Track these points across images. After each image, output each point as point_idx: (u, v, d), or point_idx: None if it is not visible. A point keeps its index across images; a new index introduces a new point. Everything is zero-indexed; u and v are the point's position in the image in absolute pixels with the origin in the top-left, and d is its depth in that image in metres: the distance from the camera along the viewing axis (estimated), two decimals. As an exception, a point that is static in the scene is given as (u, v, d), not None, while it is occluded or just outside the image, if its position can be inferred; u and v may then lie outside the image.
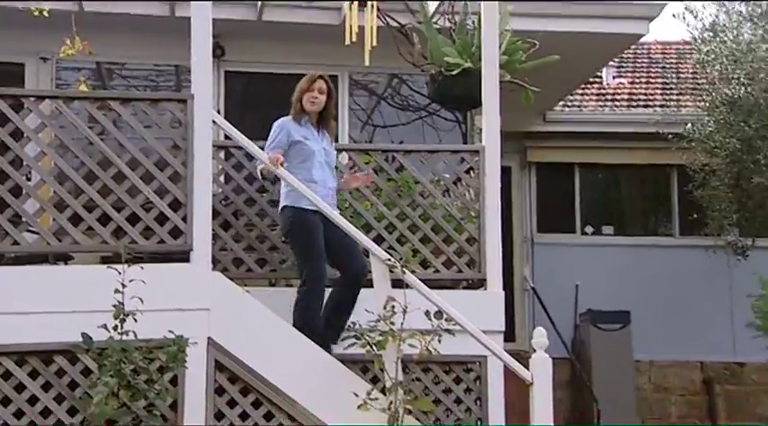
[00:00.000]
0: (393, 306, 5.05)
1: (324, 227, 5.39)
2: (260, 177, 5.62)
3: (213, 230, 5.45)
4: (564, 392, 9.78)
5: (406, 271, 5.20)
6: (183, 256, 5.21)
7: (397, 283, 5.30)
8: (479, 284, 6.02)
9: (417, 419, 5.14)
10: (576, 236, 10.75)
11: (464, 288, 6.20)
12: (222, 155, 6.02)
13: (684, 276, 10.27)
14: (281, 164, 5.36)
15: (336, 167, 5.81)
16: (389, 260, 5.24)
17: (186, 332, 4.83)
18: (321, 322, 5.37)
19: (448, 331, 5.21)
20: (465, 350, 5.46)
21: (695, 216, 9.80)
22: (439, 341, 5.24)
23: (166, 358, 4.71)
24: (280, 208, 5.57)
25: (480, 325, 5.32)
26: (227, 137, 5.77)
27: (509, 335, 7.09)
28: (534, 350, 5.20)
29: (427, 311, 5.10)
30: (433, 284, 5.47)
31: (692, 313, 10.21)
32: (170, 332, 4.77)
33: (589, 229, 10.84)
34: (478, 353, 5.51)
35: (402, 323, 5.00)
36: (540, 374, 5.06)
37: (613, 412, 9.17)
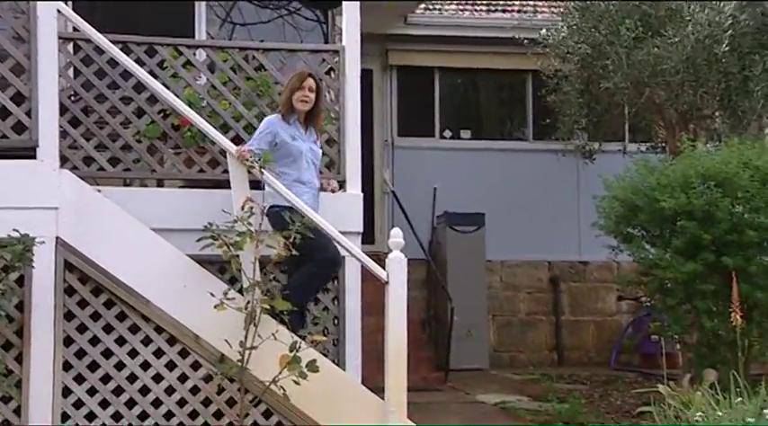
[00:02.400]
0: (251, 207, 5.02)
1: None
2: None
3: (61, 126, 5.22)
4: (420, 291, 10.09)
5: (265, 172, 5.15)
6: (29, 153, 4.98)
7: (256, 184, 5.26)
8: (339, 186, 6.04)
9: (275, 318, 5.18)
10: (435, 140, 10.91)
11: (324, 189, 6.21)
12: (70, 47, 5.71)
13: (536, 179, 10.66)
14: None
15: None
16: (248, 160, 5.17)
17: (33, 231, 4.67)
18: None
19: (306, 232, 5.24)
20: (324, 250, 5.51)
21: (547, 120, 10.09)
22: (297, 241, 5.27)
23: (11, 257, 4.55)
24: (267, 207, 5.34)
25: (339, 226, 5.37)
26: (75, 29, 5.47)
27: (368, 237, 7.21)
28: (391, 251, 5.31)
29: (286, 212, 5.10)
30: (291, 185, 5.45)
31: (543, 215, 10.65)
32: (15, 230, 4.59)
33: (448, 133, 11.01)
34: (337, 253, 5.58)
35: (260, 224, 4.98)
36: (396, 273, 5.17)
37: (466, 310, 9.54)
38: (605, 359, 10.41)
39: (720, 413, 4.29)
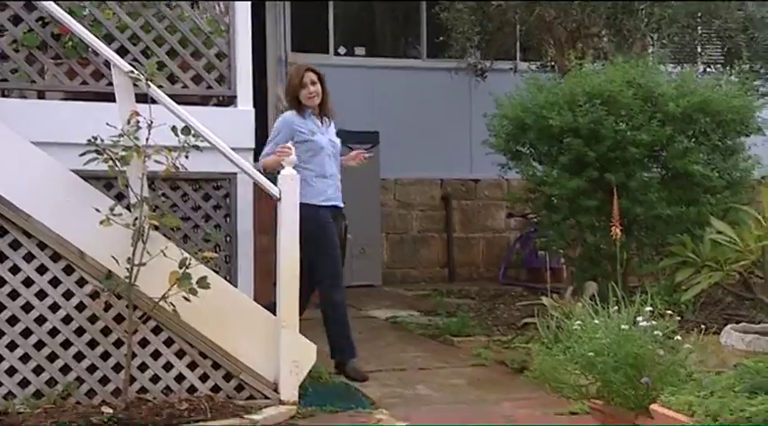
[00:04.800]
0: (138, 121, 4.89)
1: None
2: (262, 170, 5.30)
3: (-71, 34, 4.90)
4: (314, 209, 10.09)
5: (152, 85, 5.00)
6: None
7: (142, 98, 5.10)
8: (230, 101, 5.92)
9: (165, 235, 5.11)
10: (329, 57, 10.77)
11: (214, 105, 6.09)
12: (-63, -51, 5.34)
13: (429, 98, 10.71)
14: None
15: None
16: (133, 72, 5.00)
17: None
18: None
19: (196, 147, 5.14)
20: (214, 167, 5.44)
21: (441, 38, 10.08)
22: (186, 157, 5.16)
23: None
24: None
25: (230, 142, 5.27)
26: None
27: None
28: (283, 167, 5.27)
29: (174, 127, 4.97)
30: (180, 100, 5.32)
31: (436, 133, 10.74)
32: None
33: (342, 50, 10.90)
34: (228, 170, 5.51)
35: (147, 139, 4.86)
36: (288, 189, 5.15)
37: (360, 228, 9.60)
38: (494, 274, 10.74)
39: (597, 322, 4.49)
